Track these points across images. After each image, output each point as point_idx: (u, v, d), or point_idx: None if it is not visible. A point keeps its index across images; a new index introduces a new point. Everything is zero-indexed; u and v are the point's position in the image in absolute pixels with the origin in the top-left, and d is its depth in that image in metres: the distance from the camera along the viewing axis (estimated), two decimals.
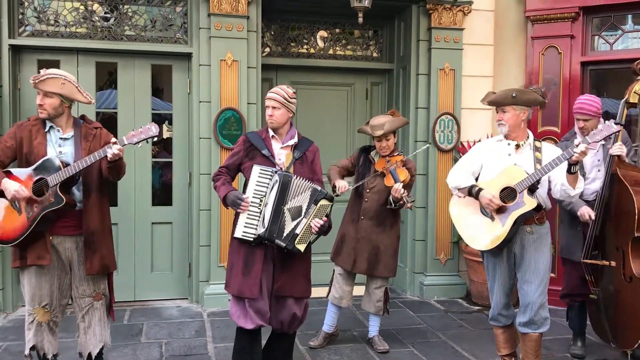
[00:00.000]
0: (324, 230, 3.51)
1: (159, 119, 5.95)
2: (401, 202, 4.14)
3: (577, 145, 3.33)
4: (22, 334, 4.59)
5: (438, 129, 5.94)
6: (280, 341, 3.72)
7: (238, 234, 3.43)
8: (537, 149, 3.66)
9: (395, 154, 4.41)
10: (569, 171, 3.43)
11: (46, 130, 3.30)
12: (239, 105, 5.44)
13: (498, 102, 3.65)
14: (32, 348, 3.34)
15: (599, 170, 4.20)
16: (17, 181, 3.18)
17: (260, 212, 3.42)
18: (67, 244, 3.31)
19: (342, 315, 4.81)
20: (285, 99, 3.55)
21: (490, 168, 3.71)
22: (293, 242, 3.43)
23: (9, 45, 5.17)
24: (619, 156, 3.94)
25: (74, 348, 4.18)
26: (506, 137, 3.72)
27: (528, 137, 3.72)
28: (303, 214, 3.46)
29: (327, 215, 3.53)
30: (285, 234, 3.41)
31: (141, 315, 5.30)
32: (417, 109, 6.02)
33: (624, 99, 4.05)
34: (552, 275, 5.68)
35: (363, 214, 4.40)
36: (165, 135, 6.64)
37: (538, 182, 3.53)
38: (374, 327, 4.61)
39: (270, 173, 3.44)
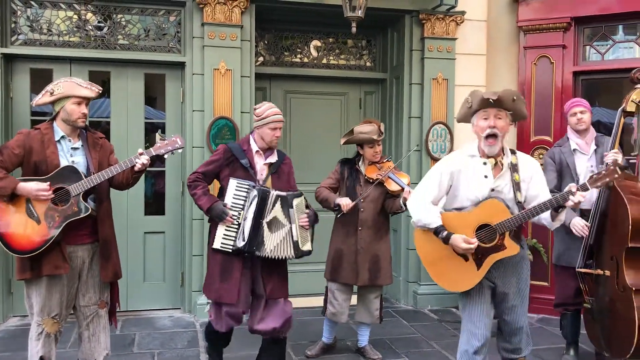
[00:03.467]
0: (312, 221, 3.71)
1: (152, 127, 5.92)
2: None
3: (572, 193, 2.98)
4: (11, 345, 4.57)
5: (431, 138, 5.95)
6: (273, 348, 3.76)
7: (217, 245, 3.58)
8: (514, 169, 3.17)
9: (385, 160, 4.44)
10: (556, 210, 3.09)
11: (57, 139, 3.27)
12: (233, 114, 5.43)
13: (504, 100, 3.07)
14: (41, 359, 3.29)
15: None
16: None
17: (239, 225, 3.57)
18: (79, 252, 3.29)
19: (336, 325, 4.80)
20: None
21: (463, 192, 3.17)
22: (299, 248, 3.63)
23: (1, 53, 5.15)
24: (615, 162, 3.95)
25: (67, 359, 4.16)
26: (480, 152, 3.20)
27: (505, 154, 3.20)
28: (287, 222, 3.61)
29: (307, 207, 3.72)
30: (271, 247, 3.56)
31: (133, 325, 5.25)
32: (411, 118, 6.04)
33: (621, 107, 4.04)
34: (546, 284, 5.70)
35: (361, 224, 4.34)
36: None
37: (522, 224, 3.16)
38: (364, 337, 4.57)
39: (247, 187, 3.58)
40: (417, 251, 3.30)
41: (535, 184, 3.21)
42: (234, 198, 3.57)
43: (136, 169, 3.29)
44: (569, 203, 2.99)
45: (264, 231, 3.56)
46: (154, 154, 3.38)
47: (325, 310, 4.49)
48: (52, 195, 3.13)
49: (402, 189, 4.22)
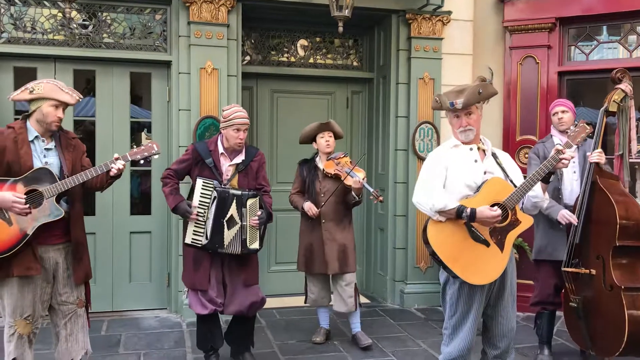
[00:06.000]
0: (264, 221, 3.96)
1: (138, 126, 5.89)
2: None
3: (562, 152, 3.17)
4: None
5: (418, 137, 5.97)
6: (242, 323, 4.13)
7: (188, 240, 3.92)
8: (494, 155, 3.25)
9: (342, 156, 4.61)
10: (546, 180, 3.27)
11: (30, 139, 3.22)
12: (219, 114, 5.40)
13: (470, 103, 3.11)
14: None
15: (574, 172, 4.26)
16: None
17: (205, 223, 3.88)
18: (51, 252, 3.25)
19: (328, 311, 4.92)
20: None
21: (461, 181, 3.13)
22: (246, 246, 3.90)
23: None
24: (597, 163, 3.98)
25: None
26: (463, 141, 3.22)
27: (482, 141, 3.26)
28: (239, 219, 3.87)
29: (261, 207, 3.95)
30: (226, 243, 3.86)
31: (119, 326, 5.22)
32: (397, 117, 6.05)
33: (603, 107, 4.09)
34: (532, 283, 5.71)
35: (324, 217, 4.60)
36: (144, 143, 6.57)
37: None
38: (356, 324, 4.78)
39: (211, 186, 3.88)
40: (436, 251, 3.03)
41: (513, 169, 3.28)
42: (200, 197, 3.89)
43: (111, 174, 3.29)
44: (564, 162, 3.17)
45: (225, 229, 3.85)
46: (130, 159, 3.38)
47: (306, 299, 4.80)
48: (28, 209, 3.08)
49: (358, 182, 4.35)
